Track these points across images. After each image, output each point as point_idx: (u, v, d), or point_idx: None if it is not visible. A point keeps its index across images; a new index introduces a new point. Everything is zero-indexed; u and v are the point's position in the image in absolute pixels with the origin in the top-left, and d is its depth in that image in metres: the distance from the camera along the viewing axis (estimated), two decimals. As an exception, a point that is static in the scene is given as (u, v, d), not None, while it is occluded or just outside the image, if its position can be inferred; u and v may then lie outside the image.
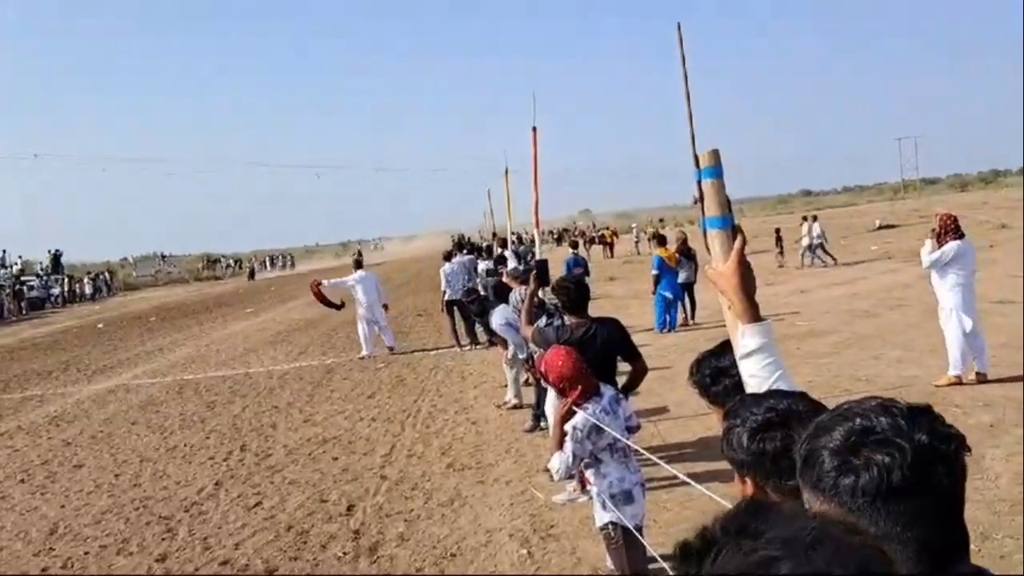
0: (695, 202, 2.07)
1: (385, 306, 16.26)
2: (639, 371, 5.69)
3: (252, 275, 67.43)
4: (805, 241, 25.30)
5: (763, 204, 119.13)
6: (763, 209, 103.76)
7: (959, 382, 8.51)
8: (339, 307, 16.36)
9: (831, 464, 1.17)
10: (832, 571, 0.75)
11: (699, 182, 2.05)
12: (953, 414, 7.35)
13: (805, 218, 26.77)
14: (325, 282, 15.92)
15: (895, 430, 1.17)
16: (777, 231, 27.14)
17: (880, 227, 39.61)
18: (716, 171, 2.05)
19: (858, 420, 1.19)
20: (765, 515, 0.83)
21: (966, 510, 1.20)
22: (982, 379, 8.54)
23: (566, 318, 5.80)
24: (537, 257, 10.79)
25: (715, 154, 2.05)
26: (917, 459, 1.14)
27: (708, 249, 2.08)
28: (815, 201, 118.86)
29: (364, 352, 15.68)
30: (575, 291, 5.71)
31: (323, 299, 15.44)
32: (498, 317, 8.70)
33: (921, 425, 1.18)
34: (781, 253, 26.22)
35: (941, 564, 1.15)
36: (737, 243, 2.03)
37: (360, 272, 15.83)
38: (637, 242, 45.23)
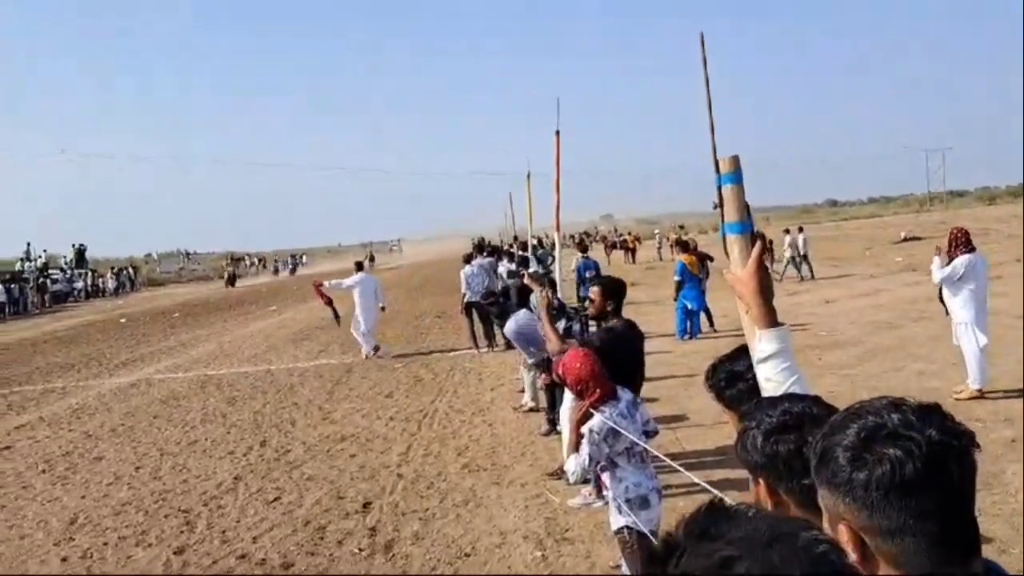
0: (715, 207, 2.09)
1: (383, 308, 16.45)
2: None
3: (232, 281, 54.69)
4: (788, 253, 25.17)
5: (787, 213, 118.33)
6: (787, 218, 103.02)
7: (981, 395, 8.45)
8: (337, 321, 16.44)
9: (845, 460, 1.20)
10: (788, 567, 0.78)
11: (719, 188, 2.07)
12: (974, 428, 7.25)
13: (787, 230, 26.52)
14: (326, 283, 16.08)
15: (906, 426, 1.20)
16: (769, 242, 26.95)
17: (905, 239, 39.31)
18: (736, 177, 2.06)
19: (870, 418, 1.22)
20: (724, 517, 0.86)
21: (984, 524, 1.22)
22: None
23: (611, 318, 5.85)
24: (557, 261, 10.81)
25: (735, 160, 2.06)
26: (929, 454, 1.17)
27: (727, 254, 2.10)
28: (840, 211, 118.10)
29: (363, 352, 15.80)
30: (622, 291, 5.82)
31: (328, 301, 15.54)
32: (512, 324, 8.71)
33: (931, 422, 1.21)
34: (771, 263, 26.06)
35: (952, 558, 1.17)
36: (756, 248, 2.04)
37: (360, 274, 16.06)
38: (660, 248, 45.13)
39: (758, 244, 2.05)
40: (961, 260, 8.55)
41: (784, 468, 1.67)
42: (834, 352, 11.94)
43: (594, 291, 6.23)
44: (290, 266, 75.00)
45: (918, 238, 39.03)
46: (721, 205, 2.07)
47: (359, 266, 16.50)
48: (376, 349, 15.81)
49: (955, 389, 8.69)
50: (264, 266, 79.98)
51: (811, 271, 24.59)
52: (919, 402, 1.25)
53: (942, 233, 10.51)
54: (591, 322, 7.44)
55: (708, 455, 7.44)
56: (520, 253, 16.65)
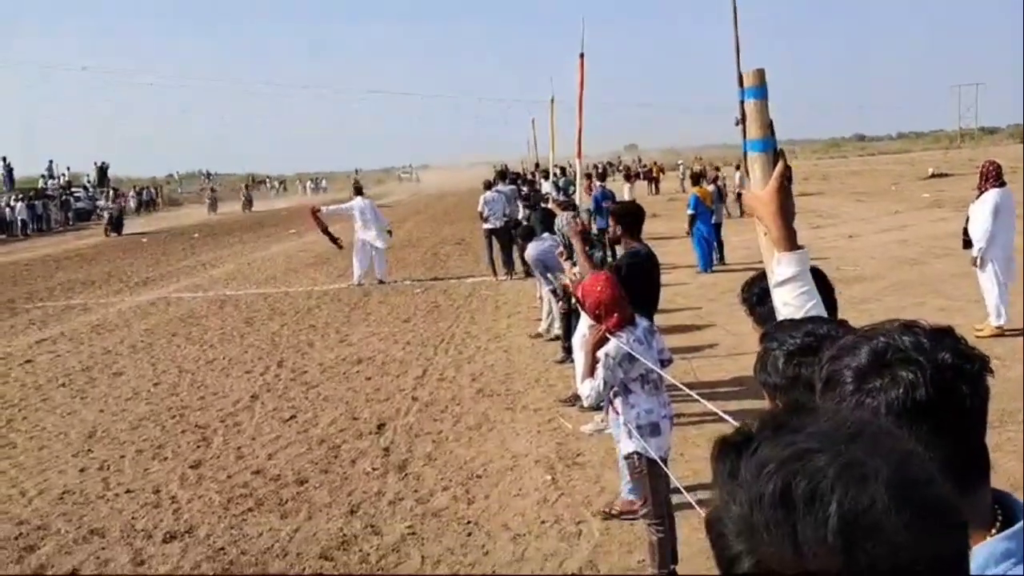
0: (737, 123, 2.00)
1: (388, 231, 16.36)
2: None
3: (116, 227, 35.86)
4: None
5: (815, 147, 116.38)
6: (815, 152, 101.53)
7: (1001, 333, 8.37)
8: (339, 245, 16.33)
9: (854, 383, 1.14)
10: (871, 463, 0.74)
11: (742, 102, 1.97)
12: (993, 366, 7.20)
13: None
14: (323, 208, 15.99)
15: (918, 349, 1.14)
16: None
17: (933, 175, 38.64)
18: (760, 91, 1.96)
19: (881, 339, 1.16)
20: (804, 413, 0.83)
21: (999, 460, 1.16)
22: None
23: (625, 242, 5.84)
24: (578, 190, 10.70)
25: (760, 73, 1.96)
26: (941, 377, 1.11)
27: (747, 173, 2.01)
28: (868, 146, 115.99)
29: (355, 280, 15.69)
30: (639, 215, 5.84)
31: (323, 228, 15.44)
32: (532, 250, 8.67)
33: (944, 344, 1.15)
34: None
35: (962, 485, 1.11)
36: (778, 168, 1.95)
37: (359, 199, 15.91)
38: (683, 179, 44.55)
39: (780, 163, 1.96)
40: (991, 195, 8.37)
41: (805, 391, 1.61)
42: (855, 287, 11.81)
43: (611, 218, 6.23)
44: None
45: (946, 175, 38.38)
46: (743, 121, 1.98)
47: (358, 190, 16.36)
48: (380, 281, 15.75)
49: (976, 326, 8.60)
50: (284, 188, 79.55)
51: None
52: (932, 325, 1.18)
53: (971, 171, 10.30)
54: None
55: (722, 385, 7.43)
56: (531, 178, 16.47)
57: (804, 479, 0.73)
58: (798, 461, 0.75)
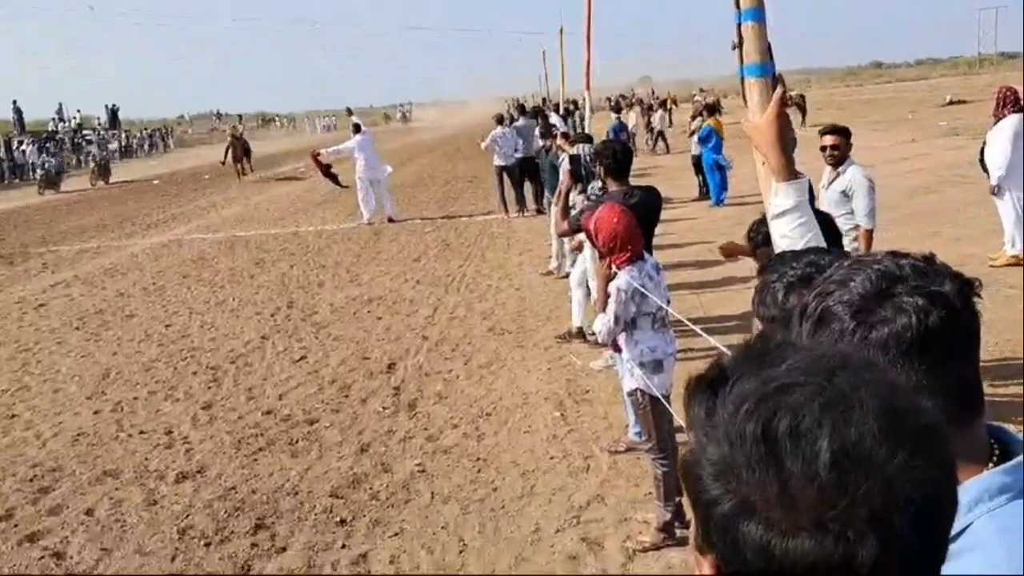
0: (733, 47, 1.91)
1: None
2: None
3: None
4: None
5: (831, 76, 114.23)
6: (831, 81, 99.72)
7: (1017, 262, 8.25)
8: (341, 185, 16.22)
9: (854, 317, 1.07)
10: (854, 394, 0.70)
11: (738, 25, 1.89)
12: (1006, 296, 7.15)
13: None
14: (324, 151, 15.80)
15: (920, 275, 1.07)
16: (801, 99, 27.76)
17: (951, 102, 37.93)
18: (758, 13, 1.87)
19: (876, 267, 1.09)
20: (781, 346, 0.78)
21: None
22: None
23: (608, 183, 5.66)
24: (587, 123, 10.54)
25: (758, -8, 1.87)
26: (949, 302, 1.05)
27: (744, 99, 1.93)
28: (885, 73, 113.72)
29: (364, 218, 15.60)
30: (620, 154, 5.58)
31: (326, 171, 15.33)
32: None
33: (940, 270, 1.08)
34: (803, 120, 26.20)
35: (961, 416, 1.06)
36: (777, 93, 1.87)
37: (358, 136, 15.61)
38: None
39: (779, 89, 1.88)
40: (1009, 121, 8.19)
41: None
42: (868, 218, 11.67)
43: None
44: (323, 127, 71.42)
45: (964, 101, 37.67)
46: (740, 45, 1.89)
47: (357, 128, 16.08)
48: (390, 219, 15.65)
49: (990, 255, 8.49)
50: (294, 127, 79.10)
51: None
52: (919, 253, 1.11)
53: (990, 97, 10.05)
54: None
55: (730, 320, 7.38)
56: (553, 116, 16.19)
57: (787, 414, 0.69)
58: (779, 395, 0.71)
